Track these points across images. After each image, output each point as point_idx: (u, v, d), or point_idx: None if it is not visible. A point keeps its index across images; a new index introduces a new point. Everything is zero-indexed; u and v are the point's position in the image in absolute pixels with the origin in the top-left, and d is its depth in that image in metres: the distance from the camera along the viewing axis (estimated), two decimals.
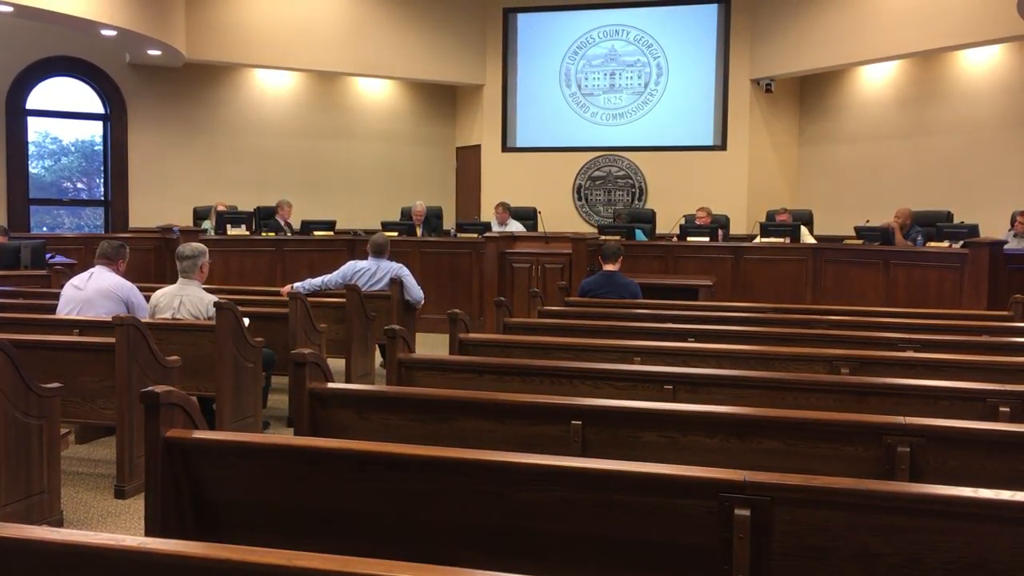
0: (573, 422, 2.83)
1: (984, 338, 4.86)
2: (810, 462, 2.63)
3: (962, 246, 7.78)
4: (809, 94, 12.62)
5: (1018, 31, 8.93)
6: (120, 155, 11.99)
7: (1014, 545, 1.90)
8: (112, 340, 4.43)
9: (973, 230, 8.21)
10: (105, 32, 9.92)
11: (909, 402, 3.23)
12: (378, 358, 7.26)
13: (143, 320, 4.79)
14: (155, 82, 12.03)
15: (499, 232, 9.55)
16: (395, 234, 9.96)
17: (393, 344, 3.74)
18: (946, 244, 8.19)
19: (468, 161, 13.76)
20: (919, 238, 8.76)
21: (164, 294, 5.44)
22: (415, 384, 3.72)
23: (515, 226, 10.63)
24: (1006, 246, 7.68)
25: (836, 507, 1.99)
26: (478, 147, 13.46)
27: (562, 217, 12.29)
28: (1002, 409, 3.10)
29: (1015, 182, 9.83)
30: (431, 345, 8.30)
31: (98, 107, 12.00)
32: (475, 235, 9.95)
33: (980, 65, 10.39)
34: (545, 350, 4.40)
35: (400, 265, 7.36)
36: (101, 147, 12.19)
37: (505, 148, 13.25)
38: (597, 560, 2.15)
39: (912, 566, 1.95)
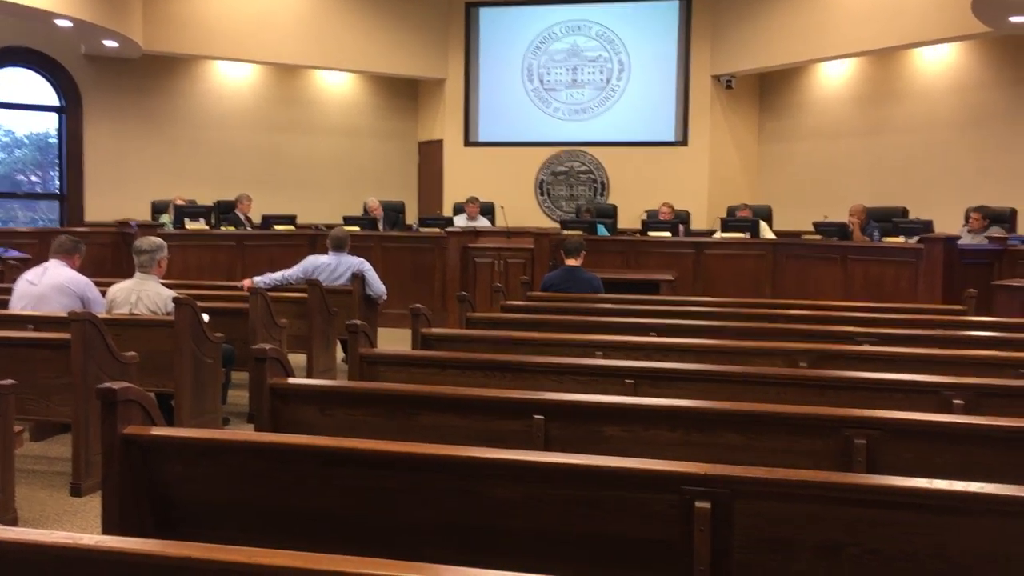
0: (535, 417, 2.83)
1: (939, 332, 4.94)
2: (770, 455, 2.66)
3: (917, 242, 7.90)
4: (769, 91, 12.74)
5: (972, 30, 9.08)
6: (76, 148, 11.77)
7: (968, 535, 1.94)
8: (67, 336, 4.35)
9: (928, 226, 8.35)
10: (60, 23, 9.73)
11: (866, 395, 3.27)
12: (340, 353, 7.22)
13: (99, 315, 4.71)
14: (112, 74, 11.82)
15: (466, 227, 9.55)
16: (356, 229, 9.90)
17: (355, 339, 3.72)
18: (902, 240, 8.32)
19: (430, 156, 13.71)
20: (876, 234, 8.89)
21: (121, 289, 5.36)
22: (377, 379, 3.70)
23: (483, 221, 10.69)
24: (960, 241, 7.82)
25: (796, 499, 2.01)
26: (440, 142, 13.42)
27: (524, 212, 12.30)
28: (956, 401, 3.15)
29: (968, 179, 10.01)
30: (393, 340, 8.25)
31: (53, 99, 11.76)
32: (437, 230, 9.93)
33: (935, 64, 10.57)
34: (508, 345, 4.40)
35: (362, 260, 7.32)
36: (56, 140, 11.96)
37: (467, 143, 13.22)
38: (562, 555, 2.16)
39: (871, 556, 1.97)
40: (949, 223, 8.86)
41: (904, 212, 9.47)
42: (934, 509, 1.96)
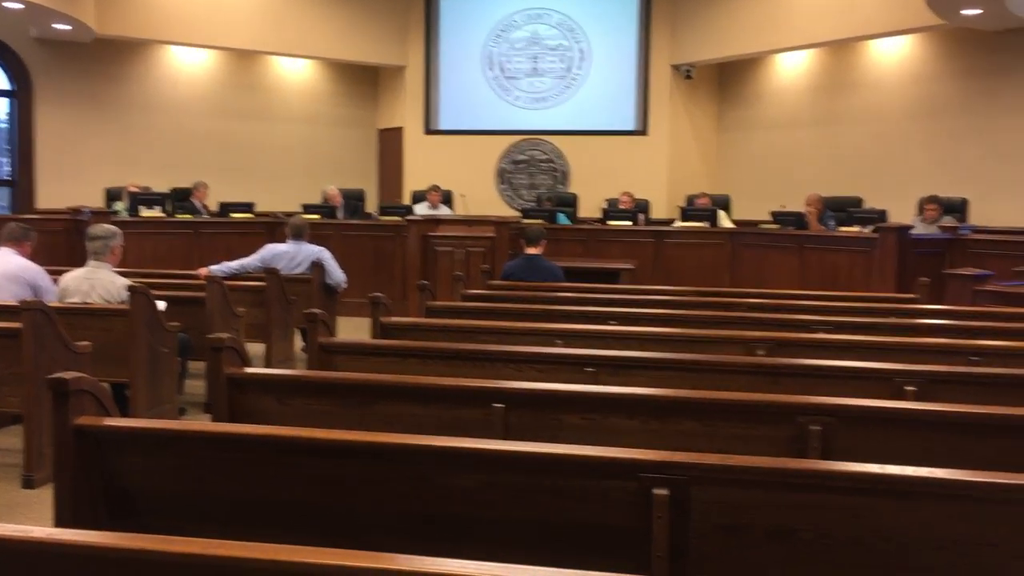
0: (495, 405, 2.83)
1: (892, 320, 5.02)
2: (727, 442, 2.69)
3: (872, 231, 8.02)
4: (728, 81, 12.84)
5: (927, 22, 9.23)
6: (26, 133, 11.52)
7: (919, 520, 1.98)
8: (18, 325, 4.27)
9: (882, 216, 8.48)
10: (9, 5, 9.51)
11: (821, 382, 3.32)
12: (298, 343, 7.16)
13: (51, 304, 4.63)
14: (63, 58, 11.58)
15: (429, 215, 9.51)
16: (316, 217, 9.82)
17: (314, 328, 3.70)
18: (857, 229, 8.44)
19: (390, 143, 13.63)
20: (831, 223, 9.01)
21: (74, 277, 5.25)
22: (336, 369, 3.68)
23: (444, 210, 10.66)
24: (913, 231, 7.95)
25: (751, 486, 2.03)
26: (400, 129, 13.34)
27: (485, 201, 12.29)
28: (908, 388, 3.21)
29: (921, 169, 10.19)
30: (353, 329, 8.22)
31: (3, 83, 11.50)
32: (397, 218, 9.88)
33: (890, 55, 10.72)
34: (468, 333, 4.39)
35: (321, 248, 7.27)
36: (7, 125, 11.69)
37: (428, 131, 13.17)
38: (522, 543, 2.16)
39: (824, 541, 2.01)
40: (902, 212, 9.00)
41: (859, 202, 9.61)
42: (886, 494, 2.00)
